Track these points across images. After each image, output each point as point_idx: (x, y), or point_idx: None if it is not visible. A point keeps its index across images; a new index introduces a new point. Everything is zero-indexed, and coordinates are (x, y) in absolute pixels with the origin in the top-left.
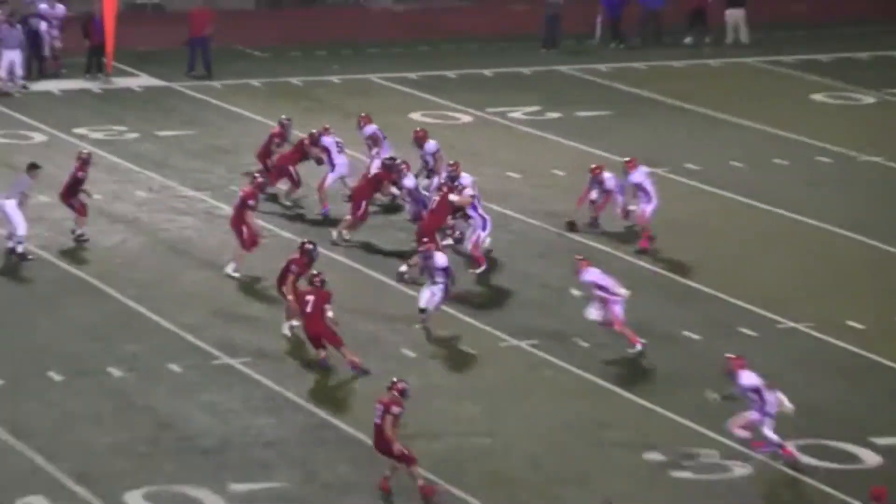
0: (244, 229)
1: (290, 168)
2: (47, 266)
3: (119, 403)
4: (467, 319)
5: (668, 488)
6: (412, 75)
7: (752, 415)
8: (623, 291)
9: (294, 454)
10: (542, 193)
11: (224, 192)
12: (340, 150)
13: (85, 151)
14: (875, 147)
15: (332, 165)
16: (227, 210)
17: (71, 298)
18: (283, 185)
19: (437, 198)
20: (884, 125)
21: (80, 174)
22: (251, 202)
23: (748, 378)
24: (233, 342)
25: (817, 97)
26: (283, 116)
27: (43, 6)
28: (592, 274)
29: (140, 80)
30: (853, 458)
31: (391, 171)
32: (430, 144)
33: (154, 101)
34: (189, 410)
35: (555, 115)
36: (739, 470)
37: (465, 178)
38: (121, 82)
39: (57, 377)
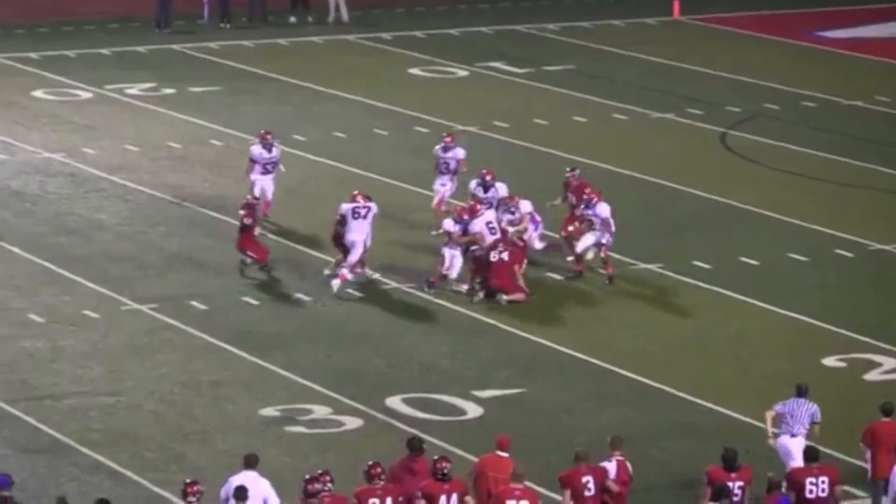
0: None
1: None
2: None
3: None
4: (91, 285)
5: (284, 443)
6: (34, 55)
7: None
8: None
9: None
10: (158, 165)
11: None
12: None
13: None
14: (469, 117)
15: None
16: None
17: None
18: None
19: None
20: (475, 97)
21: None
22: None
23: None
24: None
25: (414, 71)
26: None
27: None
28: None
29: None
30: (458, 411)
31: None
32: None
33: None
34: None
35: (169, 91)
36: (350, 424)
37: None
38: None
39: None
